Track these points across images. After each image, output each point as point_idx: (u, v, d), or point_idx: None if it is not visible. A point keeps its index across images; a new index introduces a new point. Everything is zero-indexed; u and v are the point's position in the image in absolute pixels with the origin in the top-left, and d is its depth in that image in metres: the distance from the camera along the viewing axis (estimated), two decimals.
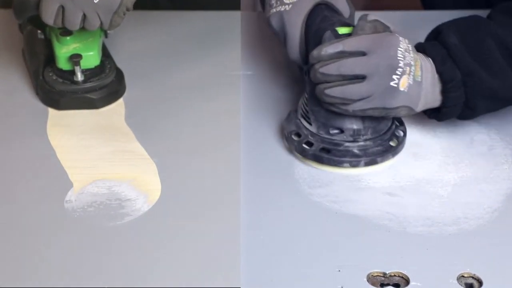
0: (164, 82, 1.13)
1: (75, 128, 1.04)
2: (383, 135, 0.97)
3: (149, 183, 0.95)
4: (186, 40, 1.22)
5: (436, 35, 0.97)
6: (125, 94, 1.10)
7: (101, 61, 1.08)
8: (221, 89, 1.12)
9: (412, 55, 0.92)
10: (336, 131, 0.96)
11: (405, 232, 0.89)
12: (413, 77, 0.91)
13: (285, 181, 0.96)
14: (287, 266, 0.84)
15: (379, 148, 0.97)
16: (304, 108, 0.98)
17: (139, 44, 1.21)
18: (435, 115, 0.98)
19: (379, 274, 0.84)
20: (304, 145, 0.97)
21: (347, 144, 0.96)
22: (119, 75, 1.10)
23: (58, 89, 1.06)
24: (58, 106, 1.06)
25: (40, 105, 1.08)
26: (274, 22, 1.01)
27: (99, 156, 0.99)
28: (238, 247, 0.86)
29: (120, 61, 1.13)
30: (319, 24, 0.97)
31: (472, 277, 0.83)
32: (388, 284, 0.83)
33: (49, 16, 0.99)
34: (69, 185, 0.94)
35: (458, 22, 0.97)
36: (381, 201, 0.93)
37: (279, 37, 1.02)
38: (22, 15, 1.04)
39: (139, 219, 0.90)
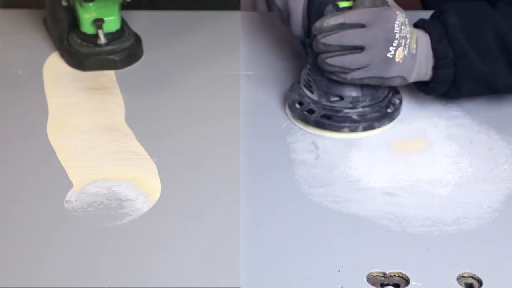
0: (164, 82, 1.13)
1: (75, 128, 1.04)
2: (380, 102, 1.03)
3: (149, 183, 0.95)
4: (186, 40, 1.22)
5: (439, 14, 1.01)
6: (143, 57, 1.18)
7: (121, 26, 1.16)
8: (221, 89, 1.12)
9: (408, 28, 0.96)
10: (336, 98, 1.02)
11: (405, 232, 0.89)
12: (408, 49, 0.97)
13: (285, 181, 0.96)
14: (287, 266, 0.84)
15: (376, 114, 1.02)
16: (307, 78, 1.04)
17: None
18: (423, 89, 1.04)
19: (379, 274, 0.84)
20: (306, 113, 1.03)
21: (346, 110, 1.02)
22: (138, 39, 1.18)
23: (83, 51, 1.15)
24: (83, 67, 1.15)
25: (40, 105, 1.08)
26: (278, 0, 1.08)
27: (99, 156, 0.99)
28: (238, 247, 0.86)
29: None
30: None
31: (472, 277, 0.83)
32: (388, 284, 0.83)
33: None
34: (69, 185, 0.94)
35: (463, 5, 1.02)
36: (381, 201, 0.93)
37: (283, 13, 1.08)
38: None
39: (139, 219, 0.90)
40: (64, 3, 1.17)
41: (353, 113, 1.02)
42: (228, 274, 0.83)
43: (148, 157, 0.99)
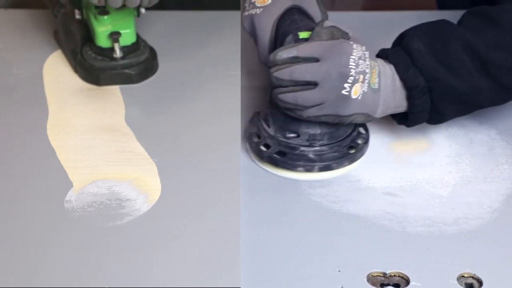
0: (164, 82, 1.13)
1: (75, 128, 1.04)
2: (341, 141, 0.97)
3: (149, 183, 0.95)
4: (186, 40, 1.22)
5: (400, 40, 0.96)
6: (158, 71, 1.15)
7: (136, 39, 1.13)
8: (221, 89, 1.12)
9: (368, 62, 0.90)
10: (292, 134, 0.96)
11: (405, 232, 0.89)
12: (368, 84, 0.90)
13: (285, 181, 0.96)
14: (287, 266, 0.84)
15: (335, 154, 0.96)
16: (266, 110, 0.99)
17: None
18: (403, 121, 0.97)
19: (379, 274, 0.84)
20: (262, 147, 0.97)
21: (303, 148, 0.96)
22: (153, 52, 1.16)
23: (98, 66, 1.12)
24: (98, 81, 1.12)
25: (40, 105, 1.08)
26: (246, 25, 1.03)
27: (99, 156, 0.99)
28: (238, 247, 0.86)
29: None
30: (286, 27, 0.98)
31: (472, 277, 0.83)
32: (388, 284, 0.83)
33: None
34: (69, 185, 0.94)
35: (424, 26, 0.96)
36: (381, 201, 0.93)
37: (253, 39, 1.03)
38: None
39: (139, 219, 0.90)
40: (78, 17, 1.14)
41: (310, 152, 0.95)
42: (228, 274, 0.83)
43: (148, 157, 0.99)
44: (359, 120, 0.93)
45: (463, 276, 0.83)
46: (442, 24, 0.96)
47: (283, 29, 0.97)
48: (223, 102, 1.09)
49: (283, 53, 0.91)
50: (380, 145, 1.02)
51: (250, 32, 1.03)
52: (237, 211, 0.91)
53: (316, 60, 0.90)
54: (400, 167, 0.98)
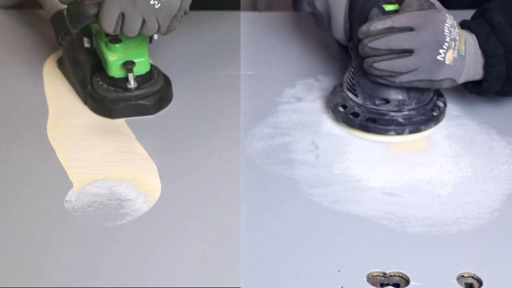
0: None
1: (75, 128, 1.04)
2: (425, 105, 1.03)
3: (149, 183, 0.95)
4: (186, 40, 1.22)
5: (481, 13, 1.02)
6: (173, 100, 1.09)
7: (150, 67, 1.07)
8: (221, 89, 1.12)
9: (457, 30, 0.96)
10: (382, 101, 1.01)
11: (405, 232, 0.89)
12: (458, 51, 0.96)
13: (285, 181, 0.96)
14: (287, 266, 0.84)
15: (422, 117, 1.02)
16: (350, 81, 1.03)
17: None
18: (475, 90, 1.03)
19: (379, 274, 0.84)
20: (351, 116, 1.02)
21: (392, 113, 1.01)
22: (167, 80, 1.10)
23: (111, 97, 1.05)
24: (111, 114, 1.05)
25: (40, 105, 1.08)
26: (319, 5, 1.07)
27: (99, 156, 0.99)
28: (238, 247, 0.86)
29: None
30: (363, 3, 1.02)
31: (472, 277, 0.83)
32: (388, 284, 0.83)
33: (109, 24, 0.97)
34: (69, 185, 0.94)
35: (504, 1, 1.01)
36: (381, 201, 0.93)
37: (323, 18, 1.08)
38: (78, 25, 1.00)
39: (139, 219, 0.90)
40: (87, 45, 1.08)
41: (399, 116, 1.01)
42: (228, 274, 0.83)
43: (148, 157, 0.99)
44: (446, 85, 0.98)
45: (463, 276, 0.83)
46: None
47: (360, 5, 1.02)
48: (223, 102, 1.09)
49: (378, 24, 0.96)
50: (380, 145, 1.02)
51: (323, 11, 1.07)
52: (237, 211, 0.91)
53: (411, 29, 0.95)
54: (400, 167, 0.98)
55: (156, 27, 0.99)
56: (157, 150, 1.00)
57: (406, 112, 1.01)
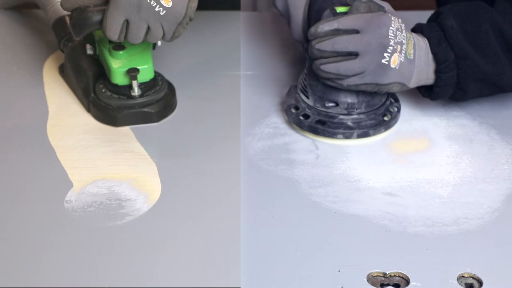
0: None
1: (75, 128, 1.04)
2: (376, 110, 1.02)
3: (149, 183, 0.95)
4: (185, 40, 1.22)
5: (435, 17, 1.01)
6: (178, 107, 1.08)
7: (154, 74, 1.05)
8: (221, 89, 1.12)
9: (404, 33, 0.96)
10: (331, 104, 1.01)
11: (405, 232, 0.89)
12: (405, 54, 0.96)
13: (285, 181, 0.96)
14: (287, 266, 0.84)
15: (372, 121, 1.02)
16: (303, 82, 1.03)
17: None
18: (428, 94, 1.03)
19: (379, 274, 0.84)
20: (301, 117, 1.02)
21: (341, 116, 1.01)
22: (171, 87, 1.08)
23: (115, 105, 1.04)
24: (115, 122, 1.04)
25: (40, 105, 1.08)
26: (279, 4, 1.08)
27: (99, 156, 0.99)
28: (238, 247, 0.86)
29: None
30: (320, 4, 1.02)
31: (472, 277, 0.83)
32: (388, 284, 0.83)
33: (113, 31, 0.96)
34: (69, 185, 0.94)
35: (459, 6, 1.01)
36: (381, 201, 0.93)
37: (284, 17, 1.09)
38: (81, 32, 0.99)
39: (139, 219, 0.90)
40: (89, 52, 1.06)
41: (348, 120, 1.01)
42: (228, 274, 0.83)
43: (148, 157, 0.99)
44: (395, 89, 0.98)
45: (463, 276, 0.83)
46: (476, 5, 1.01)
47: (317, 6, 1.02)
48: (223, 102, 1.09)
49: (325, 26, 0.96)
50: (380, 145, 1.02)
51: (283, 11, 1.08)
52: (237, 211, 0.91)
53: (357, 31, 0.96)
54: (400, 167, 0.98)
55: (161, 34, 0.98)
56: (157, 150, 1.00)
57: (355, 116, 1.01)
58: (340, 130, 1.01)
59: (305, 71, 1.03)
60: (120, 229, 0.89)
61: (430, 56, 0.98)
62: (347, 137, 1.01)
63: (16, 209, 0.91)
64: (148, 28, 0.97)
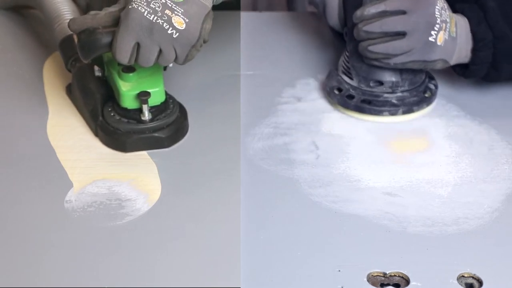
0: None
1: (75, 128, 1.04)
2: (418, 87, 1.07)
3: (149, 183, 0.95)
4: None
5: None
6: (189, 131, 1.04)
7: (165, 97, 1.01)
8: (221, 89, 1.12)
9: (447, 12, 1.00)
10: (376, 83, 1.06)
11: (405, 232, 0.89)
12: (449, 32, 1.00)
13: (285, 181, 0.96)
14: (287, 266, 0.84)
15: (415, 98, 1.06)
16: (345, 64, 1.08)
17: None
18: (462, 72, 1.07)
19: (379, 274, 0.84)
20: (346, 98, 1.06)
21: (386, 95, 1.06)
22: (183, 110, 1.04)
23: (124, 129, 0.99)
24: (124, 148, 0.99)
25: (40, 105, 1.08)
26: None
27: (99, 156, 0.99)
28: (238, 247, 0.86)
29: None
30: None
31: (472, 277, 0.83)
32: (388, 284, 0.83)
33: (124, 55, 0.92)
34: (69, 185, 0.94)
35: None
36: (381, 201, 0.93)
37: (318, 7, 1.15)
38: (90, 55, 0.95)
39: (139, 219, 0.90)
40: (98, 73, 1.01)
41: (393, 98, 1.05)
42: (228, 274, 0.83)
43: (148, 157, 0.99)
44: (439, 66, 1.02)
45: (463, 276, 0.83)
46: None
47: None
48: (223, 102, 1.09)
49: (371, 8, 1.00)
50: (380, 145, 1.02)
51: (319, 0, 1.13)
52: (237, 211, 0.91)
53: (403, 12, 0.99)
54: (400, 167, 0.98)
55: (173, 57, 0.93)
56: (157, 150, 1.00)
57: (399, 94, 1.05)
58: (386, 108, 1.05)
59: (347, 53, 1.07)
60: (120, 229, 0.89)
61: (470, 35, 1.02)
62: (393, 114, 1.05)
63: (16, 209, 0.91)
64: (160, 51, 0.93)
